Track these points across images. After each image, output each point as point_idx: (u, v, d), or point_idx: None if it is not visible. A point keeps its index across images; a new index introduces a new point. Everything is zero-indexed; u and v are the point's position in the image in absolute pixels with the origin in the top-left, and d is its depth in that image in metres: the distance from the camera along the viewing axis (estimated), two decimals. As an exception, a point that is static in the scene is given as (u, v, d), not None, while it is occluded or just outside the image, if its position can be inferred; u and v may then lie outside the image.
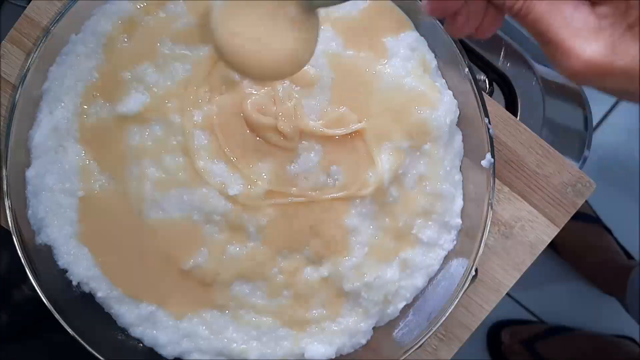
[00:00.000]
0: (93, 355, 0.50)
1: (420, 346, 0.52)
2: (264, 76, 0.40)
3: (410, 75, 0.52)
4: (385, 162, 0.52)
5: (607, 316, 1.14)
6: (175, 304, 0.54)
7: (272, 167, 0.52)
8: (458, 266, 0.54)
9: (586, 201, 1.09)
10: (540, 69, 0.63)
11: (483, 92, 0.53)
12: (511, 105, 0.62)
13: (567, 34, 0.30)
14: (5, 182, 0.50)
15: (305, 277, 0.54)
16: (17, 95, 0.50)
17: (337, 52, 0.52)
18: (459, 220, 0.55)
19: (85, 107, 0.53)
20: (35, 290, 0.50)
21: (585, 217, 1.10)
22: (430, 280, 0.56)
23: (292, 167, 0.53)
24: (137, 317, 0.54)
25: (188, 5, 0.52)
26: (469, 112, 0.53)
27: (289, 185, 0.52)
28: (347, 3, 0.52)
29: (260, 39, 0.35)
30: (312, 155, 0.52)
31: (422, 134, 0.52)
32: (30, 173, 0.52)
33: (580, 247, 1.10)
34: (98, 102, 0.52)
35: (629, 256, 1.10)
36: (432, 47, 0.54)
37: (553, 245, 1.11)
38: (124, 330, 0.54)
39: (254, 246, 0.53)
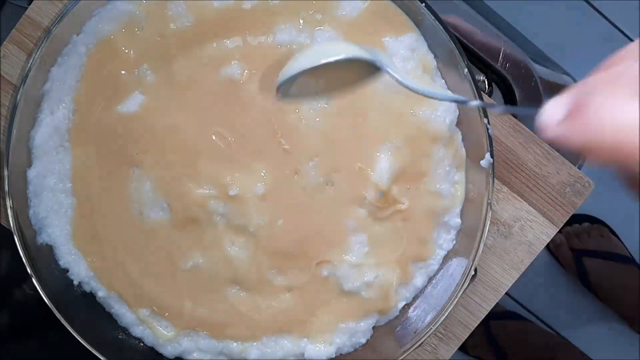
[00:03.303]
0: (94, 354, 0.50)
1: (419, 345, 0.53)
2: None
3: (410, 75, 0.53)
4: (384, 162, 0.53)
5: (607, 316, 1.14)
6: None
7: (272, 168, 0.52)
8: (457, 266, 0.54)
9: (622, 242, 1.09)
10: (539, 69, 0.63)
11: (482, 93, 0.53)
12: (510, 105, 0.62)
13: None
14: (6, 182, 0.50)
15: (305, 277, 0.54)
16: (19, 96, 0.50)
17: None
18: (459, 220, 0.55)
19: (86, 107, 0.53)
20: (37, 289, 0.50)
21: (620, 258, 1.10)
22: (430, 279, 0.56)
23: (292, 169, 0.53)
24: (138, 316, 0.54)
25: (188, 6, 0.52)
26: (468, 113, 0.53)
27: (288, 186, 0.53)
28: (347, 3, 0.53)
29: None
30: (312, 156, 0.53)
31: (422, 134, 0.53)
32: (31, 173, 0.52)
33: (618, 287, 1.09)
34: (99, 103, 0.53)
35: None
36: (432, 48, 0.54)
37: (589, 286, 1.11)
38: (124, 330, 0.55)
39: (253, 246, 0.53)
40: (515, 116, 0.54)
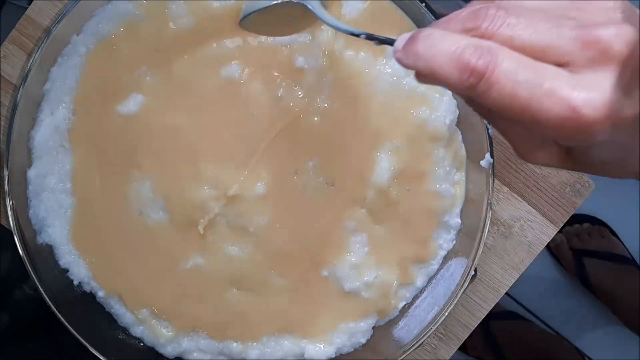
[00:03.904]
0: (94, 354, 0.51)
1: (419, 345, 0.53)
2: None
3: (410, 75, 0.53)
4: (384, 162, 0.53)
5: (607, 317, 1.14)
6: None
7: (272, 168, 0.52)
8: (457, 266, 0.54)
9: (623, 243, 1.09)
10: (539, 69, 0.63)
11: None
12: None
13: None
14: (6, 182, 0.50)
15: (305, 277, 0.54)
16: (19, 96, 0.50)
17: (337, 52, 0.52)
18: (459, 220, 0.55)
19: (86, 107, 0.53)
20: (37, 289, 0.50)
21: (621, 259, 1.09)
22: (430, 279, 0.56)
23: (292, 169, 0.53)
24: (138, 317, 0.54)
25: (188, 6, 0.52)
26: (468, 113, 0.53)
27: (288, 186, 0.53)
28: (347, 3, 0.53)
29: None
30: (312, 156, 0.53)
31: (422, 134, 0.53)
32: (31, 173, 0.52)
33: (618, 288, 1.09)
34: (98, 103, 0.53)
35: None
36: (432, 48, 0.54)
37: (590, 287, 1.11)
38: (124, 330, 0.55)
39: (253, 246, 0.53)
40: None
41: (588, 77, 0.25)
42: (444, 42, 0.26)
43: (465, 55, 0.25)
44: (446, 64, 0.26)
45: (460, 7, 0.28)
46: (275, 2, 0.45)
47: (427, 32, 0.27)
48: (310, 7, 0.42)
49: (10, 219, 0.50)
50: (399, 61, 0.28)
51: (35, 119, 0.52)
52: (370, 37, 0.33)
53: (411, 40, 0.27)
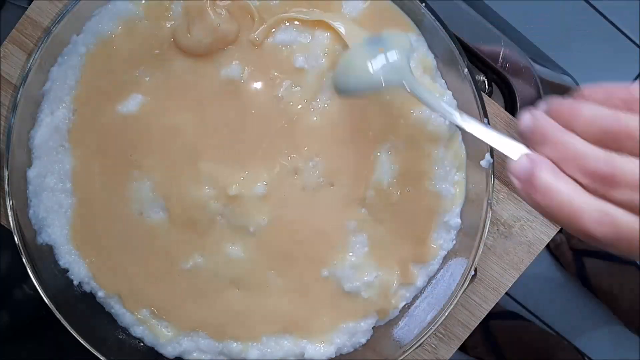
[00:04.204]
0: (94, 354, 0.51)
1: (419, 345, 0.53)
2: None
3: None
4: (384, 162, 0.53)
5: (607, 320, 1.14)
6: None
7: (272, 168, 0.52)
8: (457, 266, 0.54)
9: None
10: (539, 69, 0.63)
11: (482, 93, 0.53)
12: (510, 106, 0.62)
13: None
14: (6, 182, 0.50)
15: (305, 277, 0.54)
16: (19, 96, 0.50)
17: (337, 52, 0.52)
18: (459, 220, 0.55)
19: (86, 107, 0.53)
20: (37, 289, 0.50)
21: (620, 258, 1.09)
22: (430, 279, 0.56)
23: (292, 169, 0.53)
24: (138, 317, 0.54)
25: (184, 7, 0.52)
26: (468, 113, 0.53)
27: (289, 186, 0.53)
28: (347, 3, 0.53)
29: None
30: (312, 156, 0.53)
31: (422, 134, 0.53)
32: (31, 173, 0.52)
33: (617, 288, 1.09)
34: (98, 103, 0.53)
35: None
36: (432, 48, 0.54)
37: (590, 286, 1.11)
38: (124, 330, 0.55)
39: (253, 247, 0.53)
40: (515, 115, 0.54)
41: None
42: (563, 202, 0.27)
43: (585, 223, 0.26)
44: (567, 222, 0.27)
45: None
46: (379, 86, 0.46)
47: (543, 181, 0.27)
48: (416, 92, 0.45)
49: (10, 219, 0.50)
50: (518, 191, 0.29)
51: (35, 119, 0.52)
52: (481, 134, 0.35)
53: (530, 184, 0.28)
